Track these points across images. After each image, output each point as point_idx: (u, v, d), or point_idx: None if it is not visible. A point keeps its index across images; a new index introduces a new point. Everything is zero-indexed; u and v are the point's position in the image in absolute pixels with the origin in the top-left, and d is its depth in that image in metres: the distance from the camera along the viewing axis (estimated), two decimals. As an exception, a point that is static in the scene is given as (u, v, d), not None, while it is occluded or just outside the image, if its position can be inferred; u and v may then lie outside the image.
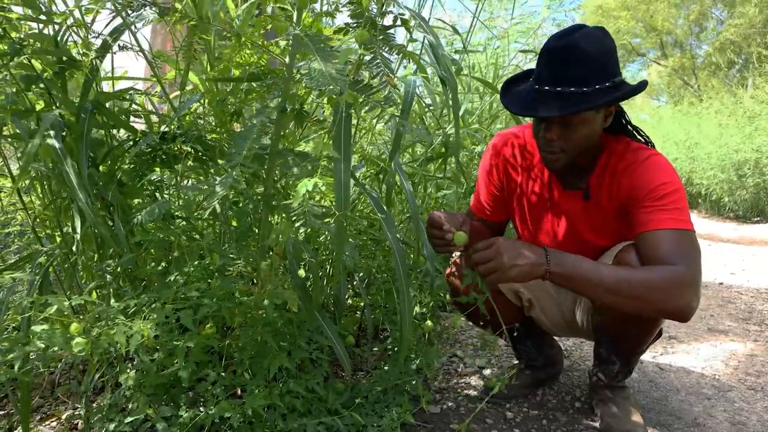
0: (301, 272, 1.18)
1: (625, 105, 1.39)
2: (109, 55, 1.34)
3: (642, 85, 1.17)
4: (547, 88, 1.15)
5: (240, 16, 1.09)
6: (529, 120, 1.91)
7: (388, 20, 1.11)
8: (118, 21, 1.22)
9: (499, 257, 1.12)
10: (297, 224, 1.00)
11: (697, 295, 1.11)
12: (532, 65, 1.27)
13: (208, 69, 1.35)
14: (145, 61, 1.38)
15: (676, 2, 16.46)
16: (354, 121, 1.53)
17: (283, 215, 1.18)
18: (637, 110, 17.46)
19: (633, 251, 1.20)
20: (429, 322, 1.58)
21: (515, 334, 1.61)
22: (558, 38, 1.15)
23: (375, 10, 1.05)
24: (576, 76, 1.12)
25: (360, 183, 1.32)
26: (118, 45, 1.26)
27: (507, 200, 1.50)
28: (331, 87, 0.86)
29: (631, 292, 1.10)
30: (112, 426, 1.12)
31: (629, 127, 1.32)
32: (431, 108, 2.17)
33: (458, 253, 1.29)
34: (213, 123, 1.43)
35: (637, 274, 1.12)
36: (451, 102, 1.44)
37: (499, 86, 1.34)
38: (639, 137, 1.32)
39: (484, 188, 1.52)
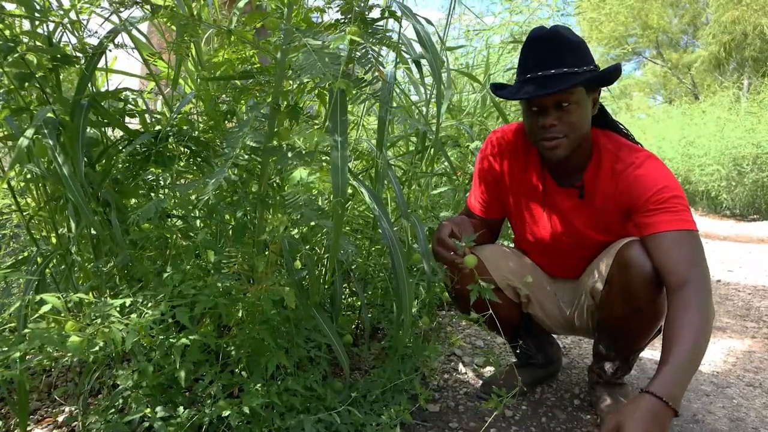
0: (297, 264, 1.17)
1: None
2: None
3: (618, 67, 1.24)
4: (540, 73, 1.20)
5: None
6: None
7: (375, 13, 1.11)
8: (114, 17, 1.21)
9: None
10: (294, 216, 0.99)
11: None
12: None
13: (199, 68, 1.35)
14: (141, 59, 1.38)
15: (671, 1, 16.51)
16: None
17: (279, 211, 1.17)
18: (634, 110, 17.48)
19: (636, 248, 1.22)
20: (426, 318, 1.57)
21: (514, 331, 1.61)
22: (540, 30, 1.23)
23: (363, 5, 1.05)
24: (565, 60, 1.19)
25: (355, 175, 1.32)
26: (114, 43, 1.26)
27: (502, 197, 1.50)
28: (325, 74, 0.86)
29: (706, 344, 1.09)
30: (109, 427, 1.11)
31: (613, 123, 1.37)
32: (420, 103, 2.16)
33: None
34: (206, 122, 1.42)
35: (700, 328, 1.07)
36: (434, 72, 1.42)
37: (490, 81, 1.35)
38: (620, 129, 1.37)
39: (480, 185, 1.52)
